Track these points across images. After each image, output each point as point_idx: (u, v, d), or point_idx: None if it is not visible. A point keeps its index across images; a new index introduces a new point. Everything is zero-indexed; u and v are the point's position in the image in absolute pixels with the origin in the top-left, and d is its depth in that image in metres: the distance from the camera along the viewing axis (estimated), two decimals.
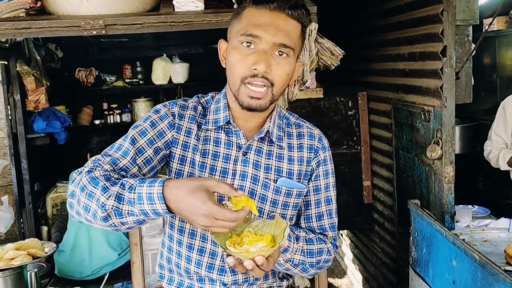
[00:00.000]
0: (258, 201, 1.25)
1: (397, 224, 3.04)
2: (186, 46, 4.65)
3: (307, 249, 1.24)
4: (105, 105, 4.67)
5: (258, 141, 1.26)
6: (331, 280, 4.32)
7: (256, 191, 1.25)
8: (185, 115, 1.26)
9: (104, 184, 1.03)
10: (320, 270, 1.32)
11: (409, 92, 2.72)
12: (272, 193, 1.26)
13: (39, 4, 1.88)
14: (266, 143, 1.27)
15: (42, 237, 3.44)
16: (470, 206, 2.72)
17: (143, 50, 4.66)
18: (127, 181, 1.04)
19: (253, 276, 1.22)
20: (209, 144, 1.25)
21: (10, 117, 3.35)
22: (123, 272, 2.66)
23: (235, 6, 1.90)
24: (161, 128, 1.23)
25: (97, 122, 4.57)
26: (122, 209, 1.01)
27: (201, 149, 1.24)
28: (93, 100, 4.67)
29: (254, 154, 1.26)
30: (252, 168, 1.25)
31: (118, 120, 4.63)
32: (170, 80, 4.56)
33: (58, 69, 4.05)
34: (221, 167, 1.24)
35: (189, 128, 1.25)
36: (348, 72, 3.71)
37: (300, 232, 1.26)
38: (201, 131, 1.26)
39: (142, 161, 1.17)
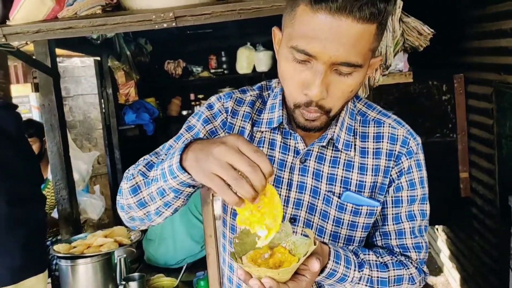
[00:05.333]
0: (319, 218, 1.04)
1: (500, 221, 2.72)
2: (270, 33, 4.57)
3: (377, 277, 0.99)
4: (192, 96, 4.80)
5: (319, 146, 1.04)
6: None
7: (317, 206, 1.04)
8: (239, 112, 1.08)
9: (143, 162, 0.97)
10: None
11: None
12: (336, 210, 1.03)
13: (115, 0, 1.92)
14: (331, 148, 1.04)
15: None
16: None
17: (227, 40, 4.69)
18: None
19: None
20: (263, 147, 1.07)
21: (104, 110, 3.56)
22: (205, 262, 2.70)
23: None
24: (214, 127, 1.07)
25: (184, 112, 4.71)
26: (148, 175, 0.91)
27: None
28: (181, 91, 4.82)
29: (315, 161, 1.04)
30: (312, 178, 1.04)
31: None
32: (254, 69, 4.55)
33: (147, 63, 4.23)
34: (275, 175, 1.05)
35: (242, 127, 1.07)
36: (443, 52, 3.39)
37: (368, 255, 1.01)
38: (256, 132, 1.07)
39: None
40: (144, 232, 2.87)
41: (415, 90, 3.12)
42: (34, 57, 2.49)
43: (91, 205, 2.84)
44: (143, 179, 0.91)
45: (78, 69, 5.48)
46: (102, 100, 3.57)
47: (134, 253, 2.98)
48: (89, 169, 2.92)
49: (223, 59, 4.76)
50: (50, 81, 2.48)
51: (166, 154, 0.89)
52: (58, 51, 2.73)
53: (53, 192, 2.81)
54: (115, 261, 2.46)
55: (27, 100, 4.68)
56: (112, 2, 1.90)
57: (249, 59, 4.51)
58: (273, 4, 1.73)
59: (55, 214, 2.83)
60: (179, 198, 0.88)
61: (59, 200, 2.59)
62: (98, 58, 3.53)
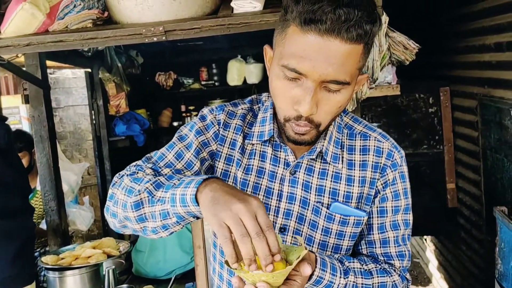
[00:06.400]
0: (308, 228, 1.07)
1: (486, 231, 2.76)
2: (260, 46, 4.62)
3: (361, 284, 1.02)
4: (183, 107, 4.82)
5: (308, 159, 1.08)
6: None
7: (306, 216, 1.07)
8: (230, 125, 1.11)
9: (149, 178, 0.95)
10: None
11: (497, 87, 2.46)
12: (324, 220, 1.07)
13: (106, 14, 1.94)
14: (319, 160, 1.08)
15: (123, 234, 3.62)
16: None
17: (218, 52, 4.73)
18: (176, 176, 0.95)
19: None
20: (254, 158, 1.10)
21: (94, 122, 3.57)
22: (194, 273, 2.70)
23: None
24: (206, 138, 1.10)
25: (175, 124, 4.73)
26: (155, 195, 0.91)
27: (245, 164, 1.09)
28: (172, 102, 4.84)
29: (304, 173, 1.07)
30: (302, 189, 1.07)
31: None
32: (245, 81, 4.58)
33: (138, 75, 4.25)
34: (266, 186, 1.08)
35: (234, 139, 1.10)
36: (430, 65, 3.46)
37: (353, 263, 1.04)
38: (247, 144, 1.10)
39: (192, 174, 1.06)
40: (133, 243, 2.86)
41: (402, 102, 3.17)
42: (24, 69, 2.50)
43: (80, 216, 2.84)
44: (148, 197, 0.92)
45: (69, 80, 5.48)
46: (93, 112, 3.57)
47: (122, 264, 2.97)
48: (79, 180, 2.92)
49: (214, 71, 4.79)
50: (41, 93, 2.49)
51: (179, 180, 0.90)
52: (49, 62, 2.75)
53: (41, 201, 2.81)
54: (104, 272, 2.45)
55: (17, 111, 4.67)
56: (102, 16, 1.93)
57: (239, 71, 4.55)
58: (262, 19, 1.77)
59: (43, 225, 2.82)
60: (179, 224, 0.90)
61: (47, 211, 2.58)
62: (89, 70, 3.54)
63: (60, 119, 5.37)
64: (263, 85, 4.57)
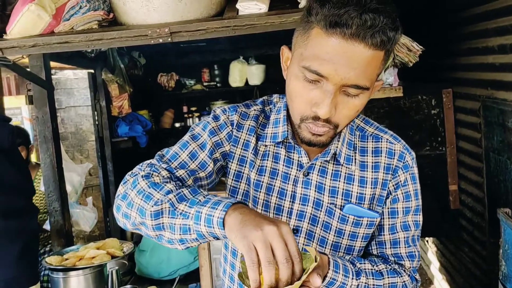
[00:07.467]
0: (321, 229, 1.08)
1: (488, 233, 2.76)
2: (262, 47, 4.64)
3: (373, 285, 1.03)
4: (185, 108, 4.83)
5: (322, 160, 1.08)
6: None
7: (319, 217, 1.08)
8: (244, 126, 1.11)
9: (171, 188, 0.93)
10: None
11: (500, 88, 2.46)
12: (338, 221, 1.07)
13: (111, 15, 1.95)
14: (332, 162, 1.08)
15: (126, 235, 3.63)
16: None
17: (220, 53, 4.74)
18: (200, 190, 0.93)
19: None
20: (268, 160, 1.10)
21: (97, 122, 3.57)
22: (198, 274, 2.71)
23: (303, 6, 1.83)
24: (220, 139, 1.09)
25: (177, 125, 4.73)
26: (177, 207, 0.89)
27: (258, 166, 1.10)
28: (174, 103, 4.84)
29: (317, 174, 1.08)
30: (315, 191, 1.08)
31: None
32: (247, 82, 4.59)
33: (141, 76, 4.26)
34: (279, 187, 1.08)
35: (247, 140, 1.10)
36: (433, 67, 3.47)
37: (364, 264, 1.05)
38: (260, 145, 1.10)
39: (205, 175, 1.06)
40: (136, 244, 2.87)
41: (405, 104, 3.17)
42: (28, 69, 2.51)
43: (84, 217, 2.84)
44: (170, 208, 0.90)
45: (71, 81, 5.48)
46: (95, 112, 3.58)
47: (126, 265, 2.97)
48: (82, 181, 2.92)
49: (216, 72, 4.80)
50: (45, 94, 2.50)
51: (204, 197, 0.89)
52: (51, 63, 2.75)
53: (41, 198, 2.81)
54: (107, 273, 2.46)
55: (19, 112, 4.68)
56: (108, 18, 1.93)
57: (241, 73, 4.55)
58: (267, 21, 1.77)
59: (46, 226, 2.82)
60: (198, 241, 0.88)
61: (51, 212, 2.59)
62: (92, 71, 3.55)
63: (61, 120, 5.38)
64: (264, 87, 4.57)
